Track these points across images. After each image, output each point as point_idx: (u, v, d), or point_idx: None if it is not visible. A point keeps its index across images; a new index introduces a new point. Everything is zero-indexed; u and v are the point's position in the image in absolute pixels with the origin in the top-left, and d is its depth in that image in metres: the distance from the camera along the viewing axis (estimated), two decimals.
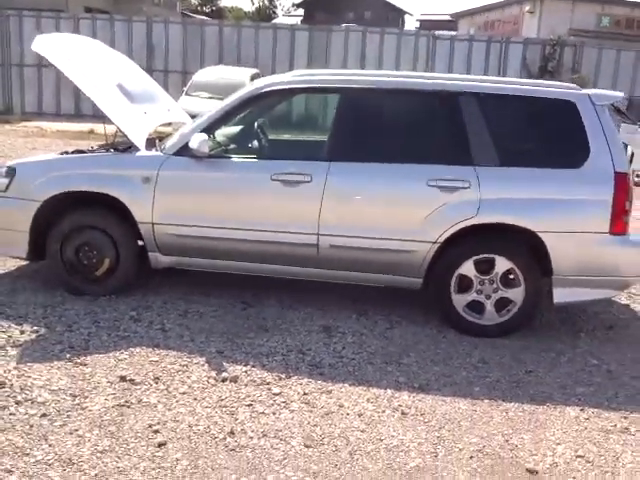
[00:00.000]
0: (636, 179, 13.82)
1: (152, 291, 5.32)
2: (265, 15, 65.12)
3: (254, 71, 17.70)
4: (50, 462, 3.04)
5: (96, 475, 2.96)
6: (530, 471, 3.19)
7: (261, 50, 22.22)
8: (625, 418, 3.77)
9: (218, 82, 16.13)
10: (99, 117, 5.19)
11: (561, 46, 22.22)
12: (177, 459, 3.12)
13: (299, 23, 42.81)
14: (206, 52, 22.25)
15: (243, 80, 15.50)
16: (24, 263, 5.82)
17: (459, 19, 39.43)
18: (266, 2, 71.82)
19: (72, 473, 2.97)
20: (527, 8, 30.99)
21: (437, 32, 23.75)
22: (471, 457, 3.28)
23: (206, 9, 69.34)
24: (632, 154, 13.68)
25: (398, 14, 61.05)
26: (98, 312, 4.85)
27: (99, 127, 16.89)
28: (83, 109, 21.68)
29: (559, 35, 22.55)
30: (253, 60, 21.51)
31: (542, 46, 22.48)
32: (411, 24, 58.26)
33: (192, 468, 3.06)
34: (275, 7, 71.40)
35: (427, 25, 46.49)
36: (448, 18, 43.94)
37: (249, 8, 72.30)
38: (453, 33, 28.30)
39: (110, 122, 5.16)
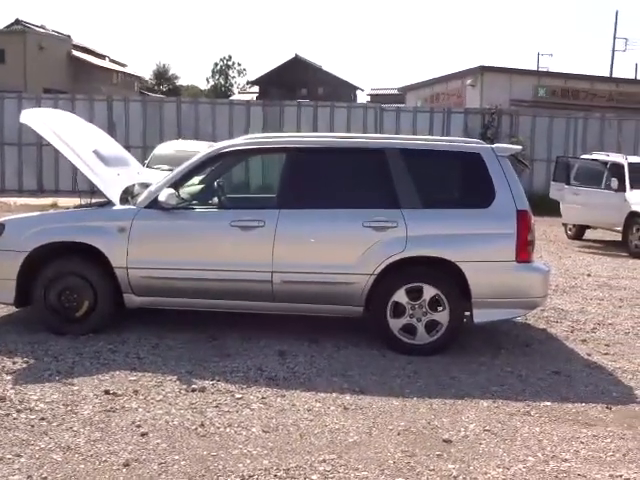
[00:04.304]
0: (569, 232, 15.06)
1: (127, 329, 6.00)
2: (221, 93, 67.33)
3: (211, 144, 18.64)
4: (52, 449, 3.70)
5: (92, 455, 3.63)
6: (446, 441, 3.95)
7: (218, 125, 23.39)
8: (528, 406, 4.58)
9: (177, 155, 16.96)
10: (61, 192, 6.06)
11: (499, 115, 23.93)
12: (158, 443, 3.80)
13: (254, 99, 44.48)
14: (165, 128, 23.29)
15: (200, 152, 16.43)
16: (5, 313, 6.46)
17: (406, 92, 41.56)
18: (221, 80, 74.32)
19: (71, 455, 3.63)
20: (469, 82, 33.11)
21: (383, 105, 25.33)
22: (399, 434, 4.04)
23: (163, 88, 71.33)
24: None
25: (350, 89, 63.71)
26: (80, 347, 5.51)
27: (61, 201, 17.75)
28: (45, 185, 22.38)
29: (496, 105, 24.29)
30: (211, 134, 22.54)
31: (482, 115, 24.18)
32: (362, 98, 60.79)
33: (170, 448, 3.75)
34: (231, 85, 73.90)
35: (377, 99, 48.89)
36: (396, 92, 46.30)
37: (205, 86, 74.63)
38: (400, 105, 30.04)
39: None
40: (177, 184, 5.88)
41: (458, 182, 5.99)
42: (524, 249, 5.57)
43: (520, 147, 6.07)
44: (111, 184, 6.06)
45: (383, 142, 5.93)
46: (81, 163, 5.93)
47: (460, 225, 5.60)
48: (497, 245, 5.58)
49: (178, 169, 6.04)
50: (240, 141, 6.13)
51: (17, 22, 48.68)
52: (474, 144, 5.93)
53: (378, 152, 5.77)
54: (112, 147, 7.01)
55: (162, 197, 5.64)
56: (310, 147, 5.95)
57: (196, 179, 6.28)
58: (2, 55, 40.67)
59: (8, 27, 47.72)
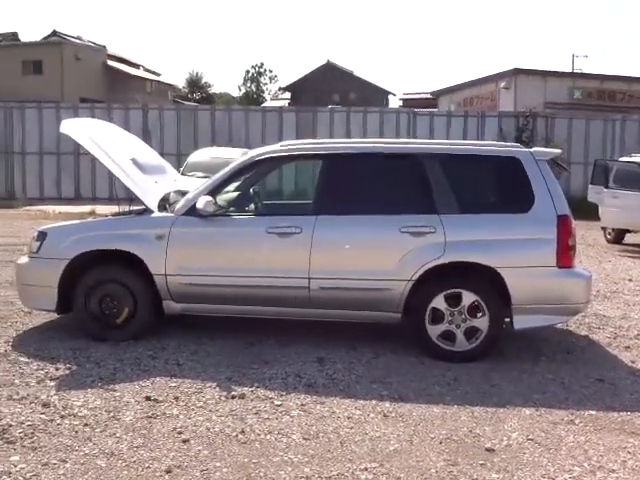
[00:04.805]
0: (608, 236, 14.78)
1: (166, 336, 6.05)
2: (253, 99, 67.74)
3: (245, 151, 18.78)
4: (96, 455, 3.73)
5: (134, 461, 3.66)
6: (488, 450, 3.90)
7: (251, 131, 23.58)
8: (572, 414, 4.49)
9: (212, 162, 17.11)
10: (98, 199, 6.15)
11: (533, 118, 23.66)
12: (199, 450, 3.82)
13: (286, 105, 44.68)
14: (199, 135, 23.57)
15: (235, 159, 16.54)
16: (48, 320, 6.57)
17: (439, 97, 41.35)
18: (253, 87, 74.79)
19: (115, 461, 3.66)
20: (503, 84, 32.81)
21: (416, 109, 25.23)
22: (440, 442, 3.99)
23: (196, 96, 72.04)
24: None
25: (382, 94, 63.53)
26: (120, 353, 5.57)
27: (99, 208, 18.03)
28: (82, 193, 22.77)
29: (531, 108, 24.03)
30: (244, 141, 22.73)
31: (516, 118, 23.96)
32: (394, 103, 60.49)
33: (212, 455, 3.76)
34: (262, 92, 74.31)
35: (409, 103, 48.55)
36: (429, 96, 46.05)
37: (237, 93, 75.18)
38: (433, 110, 29.90)
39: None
40: (214, 191, 5.92)
41: (496, 187, 5.91)
42: (565, 254, 5.48)
43: (559, 150, 5.97)
44: (149, 192, 6.12)
45: (420, 147, 5.91)
46: (120, 171, 6.00)
47: (499, 230, 5.53)
48: (537, 250, 5.50)
49: (215, 177, 6.08)
50: (276, 148, 6.15)
51: (54, 33, 49.59)
52: (512, 148, 5.86)
53: (415, 157, 5.74)
54: (149, 155, 7.10)
55: (200, 204, 5.68)
56: (346, 153, 5.94)
57: (232, 186, 6.31)
58: (40, 66, 41.49)
59: (45, 38, 48.66)
